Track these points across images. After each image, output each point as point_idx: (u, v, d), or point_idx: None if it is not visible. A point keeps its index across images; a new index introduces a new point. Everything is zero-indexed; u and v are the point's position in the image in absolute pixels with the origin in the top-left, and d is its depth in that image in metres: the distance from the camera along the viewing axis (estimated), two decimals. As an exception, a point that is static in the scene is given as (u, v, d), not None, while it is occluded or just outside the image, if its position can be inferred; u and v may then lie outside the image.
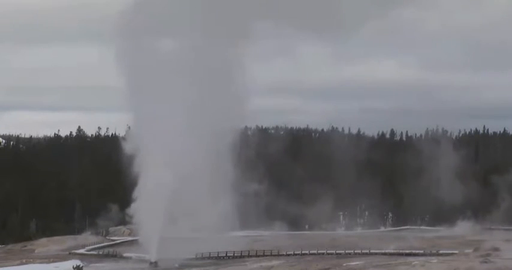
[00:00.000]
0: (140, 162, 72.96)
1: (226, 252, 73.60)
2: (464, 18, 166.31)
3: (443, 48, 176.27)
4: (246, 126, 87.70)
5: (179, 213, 70.62)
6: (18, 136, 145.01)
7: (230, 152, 74.34)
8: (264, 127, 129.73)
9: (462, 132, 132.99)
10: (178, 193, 69.97)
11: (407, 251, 70.36)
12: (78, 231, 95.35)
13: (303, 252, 73.04)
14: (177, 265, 69.22)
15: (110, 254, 75.29)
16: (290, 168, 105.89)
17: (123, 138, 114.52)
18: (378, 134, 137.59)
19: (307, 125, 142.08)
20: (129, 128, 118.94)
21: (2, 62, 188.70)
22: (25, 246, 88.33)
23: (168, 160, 69.83)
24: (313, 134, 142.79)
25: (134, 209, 74.32)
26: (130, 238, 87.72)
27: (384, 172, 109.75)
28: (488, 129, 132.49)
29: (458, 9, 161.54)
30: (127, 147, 75.45)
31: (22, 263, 72.28)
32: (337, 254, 71.61)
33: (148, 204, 71.23)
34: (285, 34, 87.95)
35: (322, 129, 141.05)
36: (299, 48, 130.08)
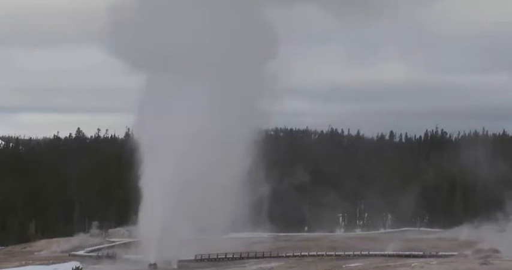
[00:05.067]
0: (143, 163, 72.68)
1: (226, 253, 73.62)
2: (467, 20, 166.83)
3: (447, 50, 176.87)
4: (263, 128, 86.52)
5: (181, 215, 70.29)
6: (17, 138, 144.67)
7: (244, 153, 73.57)
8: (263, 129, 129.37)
9: (462, 133, 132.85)
10: (181, 194, 69.70)
11: (406, 253, 70.38)
12: (78, 232, 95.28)
13: (302, 253, 73.04)
14: (176, 266, 69.20)
15: (109, 256, 75.22)
16: (292, 169, 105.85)
17: (127, 137, 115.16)
18: (377, 136, 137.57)
19: (307, 127, 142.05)
20: (129, 129, 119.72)
21: (5, 64, 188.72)
22: (24, 247, 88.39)
23: (172, 161, 69.53)
24: (312, 136, 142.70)
25: (134, 210, 74.19)
26: (129, 240, 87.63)
27: (384, 174, 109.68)
28: (487, 131, 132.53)
29: (461, 10, 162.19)
30: (131, 147, 75.18)
31: (21, 265, 72.24)
32: (336, 255, 71.60)
33: (148, 206, 71.10)
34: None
35: (322, 131, 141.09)
36: (300, 48, 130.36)
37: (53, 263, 71.83)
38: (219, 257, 73.25)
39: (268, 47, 75.37)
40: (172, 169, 69.37)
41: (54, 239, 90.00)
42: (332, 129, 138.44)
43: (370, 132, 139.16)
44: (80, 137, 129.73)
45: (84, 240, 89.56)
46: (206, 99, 72.13)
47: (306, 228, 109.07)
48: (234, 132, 73.02)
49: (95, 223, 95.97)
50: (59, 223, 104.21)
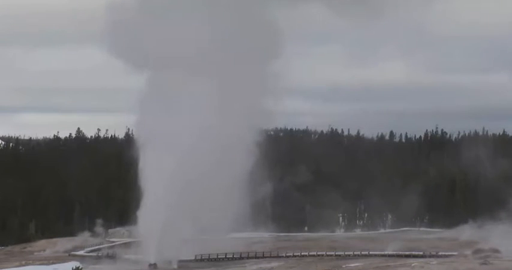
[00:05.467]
0: (144, 162, 72.45)
1: (226, 253, 73.60)
2: (467, 20, 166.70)
3: (447, 50, 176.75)
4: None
5: (181, 214, 70.13)
6: (17, 138, 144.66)
7: (245, 153, 73.18)
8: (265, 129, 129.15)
9: (462, 133, 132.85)
10: (182, 194, 69.52)
11: (406, 253, 70.38)
12: (78, 232, 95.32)
13: (302, 253, 73.02)
14: (176, 266, 69.16)
15: (109, 256, 75.24)
16: (292, 169, 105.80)
17: (127, 137, 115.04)
18: (377, 136, 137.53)
19: (307, 127, 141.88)
20: (129, 129, 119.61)
21: (5, 64, 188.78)
22: (24, 247, 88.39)
23: (173, 161, 69.32)
24: (312, 136, 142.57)
25: (134, 210, 74.09)
26: (129, 240, 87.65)
27: (384, 174, 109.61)
28: (487, 131, 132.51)
29: (461, 10, 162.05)
30: (131, 147, 74.98)
31: (21, 265, 72.21)
32: (336, 255, 71.59)
33: (148, 205, 70.98)
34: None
35: (322, 131, 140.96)
36: (300, 48, 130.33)
37: (53, 263, 71.78)
38: (219, 257, 73.24)
39: (272, 47, 75.20)
40: (173, 169, 69.26)
41: (54, 239, 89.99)
42: (332, 129, 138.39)
43: (370, 132, 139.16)
44: (80, 137, 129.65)
45: (84, 240, 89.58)
46: (208, 99, 71.92)
47: (306, 228, 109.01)
48: (235, 132, 72.82)
49: (99, 221, 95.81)
50: (59, 223, 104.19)
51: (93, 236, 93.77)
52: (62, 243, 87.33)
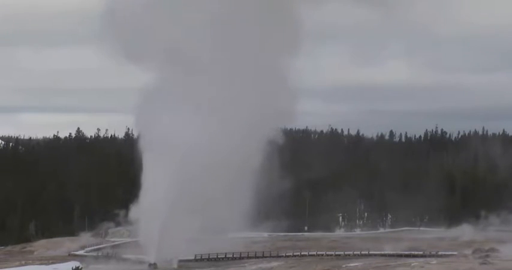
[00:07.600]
0: (145, 163, 72.34)
1: (226, 253, 73.61)
2: (467, 20, 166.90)
3: (447, 50, 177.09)
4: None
5: (182, 214, 70.06)
6: (17, 138, 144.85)
7: (251, 154, 72.82)
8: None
9: (462, 133, 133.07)
10: (183, 194, 69.45)
11: (406, 252, 70.43)
12: (78, 232, 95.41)
13: (302, 253, 73.04)
14: (176, 266, 69.17)
15: (109, 256, 75.26)
16: (292, 169, 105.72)
17: (127, 137, 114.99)
18: (377, 136, 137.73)
19: (307, 127, 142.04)
20: (129, 129, 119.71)
21: (6, 64, 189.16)
22: (24, 247, 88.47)
23: (174, 161, 69.22)
24: (312, 136, 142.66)
25: (134, 210, 74.06)
26: (129, 240, 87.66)
27: (383, 174, 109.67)
28: (487, 131, 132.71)
29: (462, 10, 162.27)
30: (132, 146, 74.81)
31: (21, 265, 72.21)
32: (336, 255, 71.62)
33: (148, 206, 70.91)
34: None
35: (322, 131, 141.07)
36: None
37: (52, 263, 71.77)
38: (219, 256, 73.25)
39: (290, 45, 74.77)
40: (173, 168, 69.18)
41: (54, 239, 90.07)
42: (332, 129, 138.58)
43: (370, 132, 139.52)
44: (79, 137, 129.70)
45: (84, 240, 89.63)
46: (212, 97, 71.81)
47: (306, 228, 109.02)
48: (240, 132, 72.52)
49: (99, 221, 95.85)
50: (59, 223, 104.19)
51: (93, 236, 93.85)
52: (62, 243, 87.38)
